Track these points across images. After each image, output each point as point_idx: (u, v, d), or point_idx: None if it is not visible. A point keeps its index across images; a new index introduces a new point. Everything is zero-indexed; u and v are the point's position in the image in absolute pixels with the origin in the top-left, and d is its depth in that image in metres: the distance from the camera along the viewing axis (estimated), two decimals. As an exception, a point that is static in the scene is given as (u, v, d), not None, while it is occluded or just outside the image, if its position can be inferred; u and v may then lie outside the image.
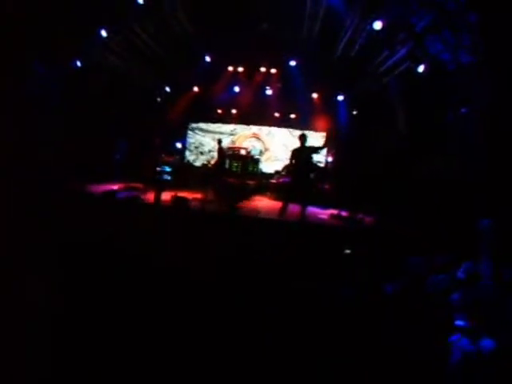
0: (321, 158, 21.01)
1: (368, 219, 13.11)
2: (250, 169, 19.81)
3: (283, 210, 12.72)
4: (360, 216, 13.26)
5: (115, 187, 14.88)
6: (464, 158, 12.70)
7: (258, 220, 12.29)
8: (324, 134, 21.79)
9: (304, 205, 12.63)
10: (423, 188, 13.32)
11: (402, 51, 14.38)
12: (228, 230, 10.75)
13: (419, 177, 14.50)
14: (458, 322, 5.51)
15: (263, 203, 16.11)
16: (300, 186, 13.09)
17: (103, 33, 14.56)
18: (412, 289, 6.68)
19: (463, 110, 12.87)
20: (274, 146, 22.32)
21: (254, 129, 22.65)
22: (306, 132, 20.51)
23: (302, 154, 12.98)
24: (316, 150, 14.56)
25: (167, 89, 20.86)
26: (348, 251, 8.82)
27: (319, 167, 19.17)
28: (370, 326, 5.68)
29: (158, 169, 18.44)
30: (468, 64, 12.05)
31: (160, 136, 18.29)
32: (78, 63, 15.30)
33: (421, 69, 13.77)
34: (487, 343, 4.93)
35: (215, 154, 18.73)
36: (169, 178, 18.78)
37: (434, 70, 13.48)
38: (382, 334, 5.46)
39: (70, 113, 14.89)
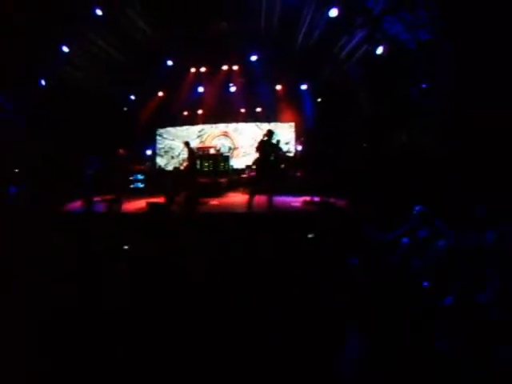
0: (290, 147, 21.61)
1: (341, 203, 13.35)
2: (221, 167, 19.94)
3: (250, 202, 13.09)
4: (332, 200, 13.55)
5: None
6: (430, 132, 13.05)
7: (227, 216, 12.60)
8: (292, 123, 22.25)
9: (270, 195, 13.12)
10: (391, 165, 13.71)
11: (360, 34, 14.78)
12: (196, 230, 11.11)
13: (387, 152, 14.84)
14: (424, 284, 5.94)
15: (236, 199, 16.31)
16: (265, 177, 13.69)
17: (65, 49, 14.69)
18: (374, 258, 7.04)
19: (424, 86, 13.17)
20: (242, 142, 22.58)
21: (221, 127, 22.85)
22: (274, 124, 21.53)
23: (267, 147, 13.76)
24: (277, 146, 15.48)
25: (132, 97, 20.97)
26: (311, 235, 9.05)
27: (288, 157, 19.63)
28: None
29: (131, 178, 18.59)
30: (428, 41, 12.35)
31: (125, 146, 18.31)
32: (43, 82, 15.42)
33: (379, 50, 14.21)
34: (447, 300, 5.32)
35: (185, 157, 18.74)
36: (142, 185, 18.87)
37: (393, 51, 13.81)
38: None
39: (38, 135, 14.97)
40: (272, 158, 16.50)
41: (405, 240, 7.47)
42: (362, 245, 7.87)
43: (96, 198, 15.07)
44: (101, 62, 16.76)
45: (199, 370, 4.89)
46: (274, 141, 17.35)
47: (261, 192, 13.59)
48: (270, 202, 13.00)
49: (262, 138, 14.05)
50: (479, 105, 10.46)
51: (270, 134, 13.82)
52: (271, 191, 13.30)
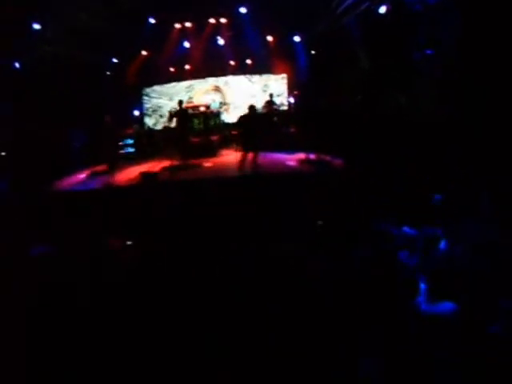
0: (283, 100, 21.19)
1: (337, 162, 13.20)
2: (212, 123, 19.50)
3: (242, 162, 13.35)
4: (328, 159, 13.39)
5: (81, 176, 14.67)
6: (429, 97, 12.79)
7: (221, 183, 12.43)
8: (284, 75, 21.76)
9: (256, 153, 13.40)
10: (387, 127, 13.40)
11: None
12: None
13: (383, 113, 14.58)
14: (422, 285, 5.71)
15: (229, 158, 16.05)
16: (251, 136, 13.91)
17: (36, 26, 14.04)
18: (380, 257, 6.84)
19: (429, 52, 12.82)
20: (233, 95, 22.02)
21: (211, 81, 22.26)
22: (265, 76, 21.53)
23: (250, 122, 14.01)
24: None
25: (114, 60, 20.22)
26: (321, 222, 8.87)
27: (281, 111, 19.37)
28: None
29: (120, 143, 18.14)
30: (435, 4, 11.89)
31: (112, 111, 17.88)
32: (17, 65, 14.92)
33: (382, 10, 13.62)
34: (447, 305, 5.20)
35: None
36: (132, 150, 18.54)
37: (398, 12, 13.27)
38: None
39: (20, 114, 14.55)
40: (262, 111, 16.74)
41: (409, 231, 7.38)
42: (370, 236, 7.71)
43: (86, 171, 14.89)
44: (78, 30, 15.89)
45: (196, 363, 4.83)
46: (265, 98, 17.70)
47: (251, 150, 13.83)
48: (255, 160, 13.31)
49: (243, 113, 14.40)
50: (483, 74, 10.28)
51: (251, 110, 13.97)
52: (257, 150, 13.55)
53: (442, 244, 6.82)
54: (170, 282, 6.60)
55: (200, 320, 5.52)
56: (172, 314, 5.70)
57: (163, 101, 22.03)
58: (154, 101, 22.42)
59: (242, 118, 14.19)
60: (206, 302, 5.93)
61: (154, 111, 22.42)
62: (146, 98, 22.44)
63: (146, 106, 22.48)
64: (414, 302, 5.53)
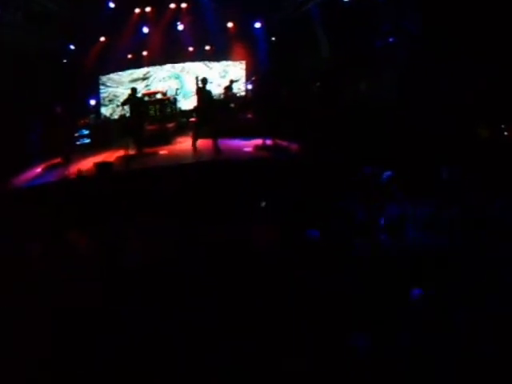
0: (241, 86, 21.24)
1: (294, 146, 13.51)
2: (169, 111, 19.50)
3: (194, 147, 14.03)
4: (285, 144, 13.66)
5: (38, 170, 14.52)
6: (391, 85, 12.96)
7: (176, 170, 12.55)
8: (243, 62, 21.81)
9: (215, 139, 13.91)
10: (346, 113, 13.63)
11: None
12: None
13: (342, 99, 14.72)
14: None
15: (185, 145, 15.98)
16: (205, 120, 14.59)
17: None
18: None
19: (391, 40, 12.98)
20: (190, 82, 21.27)
21: (168, 67, 22.09)
22: (224, 62, 21.64)
23: (204, 94, 14.71)
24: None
25: (71, 47, 19.67)
26: (264, 204, 9.04)
27: (238, 97, 19.43)
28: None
29: (76, 134, 17.97)
30: None
31: (67, 101, 17.63)
32: None
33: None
34: (416, 292, 5.38)
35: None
36: (87, 140, 18.31)
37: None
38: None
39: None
40: (220, 97, 16.81)
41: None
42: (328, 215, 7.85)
43: (42, 165, 14.76)
44: (35, 15, 15.46)
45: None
46: (222, 83, 19.22)
47: (205, 136, 14.43)
48: (215, 146, 13.77)
49: (197, 85, 14.72)
50: (444, 61, 10.51)
51: (204, 81, 14.59)
52: (215, 135, 14.01)
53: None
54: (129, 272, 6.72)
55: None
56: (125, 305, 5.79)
57: (120, 90, 21.59)
58: (111, 90, 21.96)
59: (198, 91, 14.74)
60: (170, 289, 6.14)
61: (111, 101, 21.91)
62: (102, 87, 21.92)
63: (103, 95, 21.95)
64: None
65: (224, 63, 21.77)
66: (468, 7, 9.89)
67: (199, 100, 15.00)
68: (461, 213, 7.24)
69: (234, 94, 18.95)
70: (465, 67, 10.23)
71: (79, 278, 6.76)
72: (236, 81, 20.85)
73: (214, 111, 15.14)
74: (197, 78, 14.66)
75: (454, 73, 10.56)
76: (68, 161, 14.13)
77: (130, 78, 21.74)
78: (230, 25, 20.49)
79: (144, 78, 22.05)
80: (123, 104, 15.65)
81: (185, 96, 21.72)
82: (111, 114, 21.62)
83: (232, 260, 6.70)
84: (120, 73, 21.91)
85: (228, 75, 21.51)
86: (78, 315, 5.76)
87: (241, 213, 8.69)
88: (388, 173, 8.40)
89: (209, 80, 19.89)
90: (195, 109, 16.47)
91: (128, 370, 4.88)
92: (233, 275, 6.28)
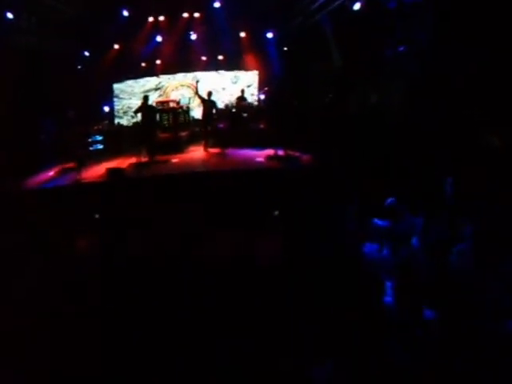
0: (254, 91, 21.76)
1: (305, 157, 13.51)
2: (182, 119, 19.66)
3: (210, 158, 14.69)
4: (297, 154, 13.67)
5: (51, 173, 14.79)
6: (402, 95, 13.02)
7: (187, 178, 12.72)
8: (256, 72, 22.09)
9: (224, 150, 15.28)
10: (358, 121, 13.65)
11: None
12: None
13: (353, 110, 14.82)
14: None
15: (197, 154, 16.34)
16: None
17: (9, 15, 14.00)
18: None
19: (401, 48, 13.02)
20: (202, 91, 21.94)
21: (179, 77, 22.46)
22: (236, 72, 21.99)
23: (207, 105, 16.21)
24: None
25: (86, 53, 20.18)
26: (276, 213, 9.07)
27: (251, 107, 19.55)
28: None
29: (89, 140, 18.20)
30: (410, 3, 12.11)
31: (81, 106, 17.99)
32: None
33: (357, 6, 13.80)
34: (428, 313, 5.25)
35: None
36: (101, 146, 18.57)
37: (371, 8, 13.52)
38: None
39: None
40: (234, 109, 17.15)
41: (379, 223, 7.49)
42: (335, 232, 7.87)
43: (54, 168, 15.01)
44: (50, 21, 16.01)
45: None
46: (238, 91, 19.30)
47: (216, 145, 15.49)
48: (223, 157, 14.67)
49: (204, 97, 16.24)
50: (455, 72, 10.52)
51: (209, 94, 16.28)
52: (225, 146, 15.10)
53: (414, 239, 6.86)
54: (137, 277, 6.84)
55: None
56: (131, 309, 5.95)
57: (134, 101, 21.87)
58: (124, 101, 22.43)
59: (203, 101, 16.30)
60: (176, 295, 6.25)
61: (125, 112, 22.37)
62: (115, 99, 22.39)
63: (117, 107, 22.43)
64: (379, 300, 5.65)
65: (236, 73, 22.13)
66: (482, 17, 9.86)
67: (203, 111, 16.44)
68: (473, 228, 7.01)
69: (247, 104, 19.09)
70: (476, 76, 10.25)
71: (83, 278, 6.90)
72: (248, 86, 21.47)
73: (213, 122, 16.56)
74: (197, 83, 16.34)
75: (466, 83, 10.58)
76: (81, 165, 14.32)
77: (142, 89, 22.05)
78: (242, 34, 20.75)
79: (156, 89, 22.45)
80: (136, 112, 15.90)
81: (199, 105, 21.81)
82: (127, 125, 21.82)
83: (234, 270, 6.83)
84: (133, 84, 22.38)
85: (239, 81, 22.03)
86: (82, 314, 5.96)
87: (249, 222, 8.78)
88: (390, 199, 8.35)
89: (221, 87, 20.45)
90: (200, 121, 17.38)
91: (128, 369, 5.06)
92: (235, 285, 6.42)
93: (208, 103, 16.32)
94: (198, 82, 16.57)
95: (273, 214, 9.19)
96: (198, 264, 7.06)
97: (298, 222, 8.64)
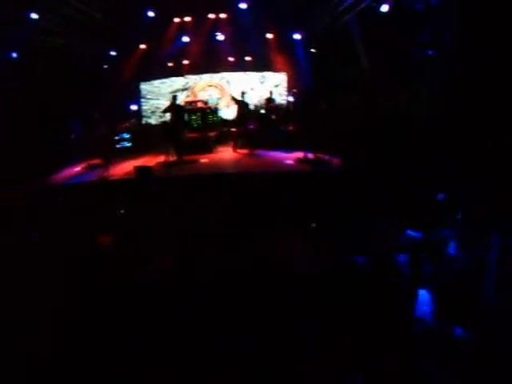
0: (282, 91, 21.82)
1: (335, 161, 13.38)
2: (210, 120, 19.70)
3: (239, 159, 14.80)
4: (327, 158, 13.60)
5: (77, 169, 14.90)
6: (430, 98, 12.91)
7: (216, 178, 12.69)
8: (283, 73, 21.99)
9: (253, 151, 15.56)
10: (386, 124, 13.51)
11: None
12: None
13: (382, 112, 14.71)
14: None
15: (226, 154, 16.51)
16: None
17: (34, 15, 14.13)
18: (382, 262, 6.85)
19: (430, 52, 12.91)
20: (230, 91, 21.80)
21: (206, 77, 22.49)
22: (265, 73, 21.90)
23: (242, 105, 16.66)
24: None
25: (112, 53, 20.42)
26: (314, 225, 8.96)
27: (279, 108, 19.60)
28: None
29: (116, 137, 18.47)
30: (437, 5, 11.99)
31: (107, 106, 18.31)
32: (14, 55, 15.10)
33: (384, 8, 13.66)
34: (459, 331, 5.12)
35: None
36: (128, 144, 18.84)
37: (399, 10, 13.38)
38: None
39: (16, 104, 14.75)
40: (263, 111, 17.17)
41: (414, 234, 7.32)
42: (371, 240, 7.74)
43: (81, 164, 15.13)
44: (76, 21, 16.11)
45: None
46: (266, 92, 19.83)
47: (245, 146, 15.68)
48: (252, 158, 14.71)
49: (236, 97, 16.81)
50: (484, 75, 10.39)
51: (242, 94, 16.80)
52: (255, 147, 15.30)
53: (452, 249, 6.70)
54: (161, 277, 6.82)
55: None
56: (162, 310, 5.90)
57: (161, 101, 22.01)
58: (152, 102, 22.57)
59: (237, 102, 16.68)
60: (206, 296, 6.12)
61: (153, 112, 22.49)
62: (143, 99, 22.58)
63: (144, 107, 22.61)
64: (413, 315, 5.55)
65: (264, 74, 22.12)
66: (507, 17, 9.76)
67: (238, 111, 16.72)
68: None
69: (275, 106, 19.15)
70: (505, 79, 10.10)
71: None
72: (276, 85, 21.60)
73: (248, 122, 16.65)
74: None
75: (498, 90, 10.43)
76: (107, 162, 14.51)
77: (169, 90, 22.13)
78: (269, 36, 20.67)
79: (184, 89, 22.46)
80: (164, 111, 16.10)
81: (227, 105, 21.97)
82: (155, 124, 21.92)
83: (262, 277, 6.61)
84: (159, 85, 22.52)
85: (267, 81, 22.06)
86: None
87: (278, 226, 8.69)
88: (441, 195, 8.23)
89: (249, 87, 20.46)
90: (234, 121, 17.43)
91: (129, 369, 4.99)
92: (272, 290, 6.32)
93: (242, 104, 16.71)
94: (243, 93, 17.01)
95: (310, 225, 9.06)
96: (233, 269, 6.91)
97: (332, 230, 8.52)
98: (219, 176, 12.92)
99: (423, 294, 5.80)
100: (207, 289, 6.29)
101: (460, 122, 11.13)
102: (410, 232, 7.48)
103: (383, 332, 5.27)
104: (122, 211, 10.38)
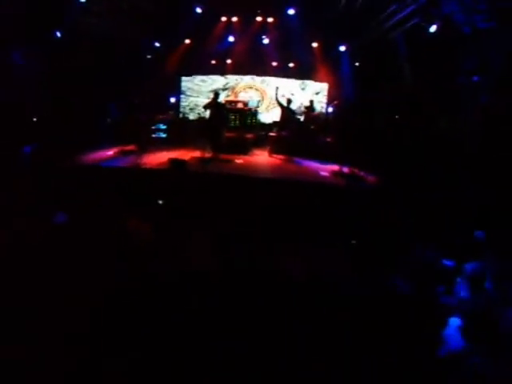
0: (322, 99, 21.90)
1: (371, 178, 13.19)
2: (249, 121, 19.83)
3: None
4: (362, 174, 13.35)
5: (109, 152, 15.01)
6: (473, 124, 12.82)
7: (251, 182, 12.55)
8: (325, 84, 21.97)
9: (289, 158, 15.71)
10: (427, 148, 13.41)
11: (412, 7, 14.02)
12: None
13: (423, 134, 14.62)
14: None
15: (261, 158, 16.47)
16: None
17: None
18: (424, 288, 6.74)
19: (475, 78, 12.83)
20: (271, 94, 21.85)
21: (247, 79, 22.60)
22: (306, 81, 21.92)
23: (287, 111, 16.76)
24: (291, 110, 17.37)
25: (156, 44, 20.68)
26: (354, 242, 8.88)
27: (319, 118, 19.47)
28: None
29: (153, 127, 18.63)
30: (485, 30, 11.89)
31: (148, 94, 18.55)
32: (58, 34, 15.36)
33: (433, 28, 13.55)
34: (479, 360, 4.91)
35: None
36: (164, 135, 18.98)
37: (446, 31, 13.29)
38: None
39: (57, 85, 14.98)
40: (302, 118, 17.30)
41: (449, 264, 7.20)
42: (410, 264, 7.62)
43: (114, 148, 15.23)
44: (121, 8, 16.45)
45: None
46: (307, 98, 19.90)
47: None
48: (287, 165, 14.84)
49: (284, 103, 16.71)
50: None
51: (289, 101, 16.82)
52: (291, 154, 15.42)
53: (487, 283, 6.44)
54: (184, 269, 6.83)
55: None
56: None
57: (201, 99, 22.18)
58: (191, 99, 22.74)
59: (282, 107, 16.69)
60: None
61: (192, 109, 22.67)
62: (182, 96, 22.77)
63: (183, 104, 22.80)
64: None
65: (306, 82, 22.17)
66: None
67: (282, 117, 16.80)
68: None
69: (315, 115, 19.04)
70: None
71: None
72: (317, 93, 21.70)
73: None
74: (276, 89, 16.79)
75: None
76: (143, 150, 14.58)
77: (209, 88, 22.17)
78: (314, 45, 20.68)
79: (224, 89, 22.56)
80: (205, 107, 16.10)
81: (266, 109, 22.15)
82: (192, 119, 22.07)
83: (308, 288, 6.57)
84: (200, 83, 22.70)
85: (308, 87, 22.08)
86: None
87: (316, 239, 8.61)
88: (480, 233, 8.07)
89: (290, 93, 20.50)
90: (277, 125, 17.52)
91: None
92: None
93: (287, 110, 16.75)
94: (277, 88, 17.01)
95: (350, 243, 8.98)
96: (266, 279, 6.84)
97: (374, 250, 8.42)
98: (254, 179, 12.85)
99: (453, 321, 5.71)
100: (243, 290, 6.24)
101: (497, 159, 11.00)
102: (444, 261, 7.31)
103: (415, 360, 5.15)
104: (161, 202, 10.38)
